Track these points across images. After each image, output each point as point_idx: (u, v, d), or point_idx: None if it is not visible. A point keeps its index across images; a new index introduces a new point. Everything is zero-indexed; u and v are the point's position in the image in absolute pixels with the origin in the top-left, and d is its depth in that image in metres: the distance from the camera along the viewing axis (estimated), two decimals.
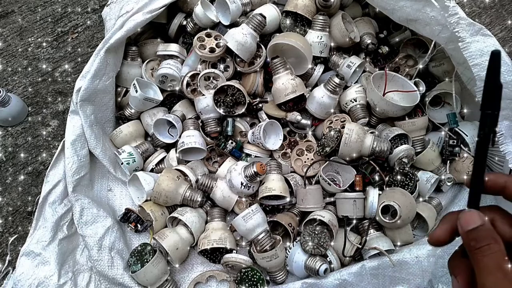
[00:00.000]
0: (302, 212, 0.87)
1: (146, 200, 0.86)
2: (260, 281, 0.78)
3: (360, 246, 0.80)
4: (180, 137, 0.89)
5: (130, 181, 0.88)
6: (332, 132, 0.85)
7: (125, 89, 0.95)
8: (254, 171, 0.78)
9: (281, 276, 0.82)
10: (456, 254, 0.37)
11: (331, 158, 0.86)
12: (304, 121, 0.90)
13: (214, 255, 0.84)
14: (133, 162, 0.87)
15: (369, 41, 0.92)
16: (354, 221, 0.83)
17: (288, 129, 0.95)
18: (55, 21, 1.09)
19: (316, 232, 0.78)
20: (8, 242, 0.88)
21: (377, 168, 0.83)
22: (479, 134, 0.36)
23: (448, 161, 0.89)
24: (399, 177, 0.83)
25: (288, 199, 0.83)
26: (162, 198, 0.82)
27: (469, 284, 0.34)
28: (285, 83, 0.84)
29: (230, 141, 0.88)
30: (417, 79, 0.93)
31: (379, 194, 0.81)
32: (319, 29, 0.90)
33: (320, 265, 0.76)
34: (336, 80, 0.86)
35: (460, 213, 0.34)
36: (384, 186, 0.84)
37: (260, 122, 0.92)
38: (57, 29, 1.08)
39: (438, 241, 0.36)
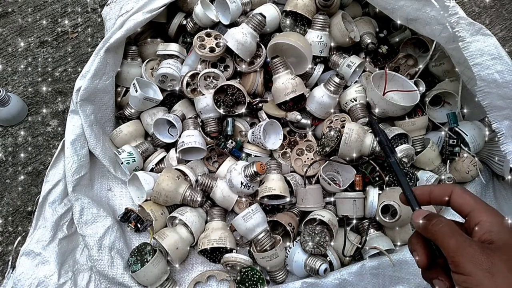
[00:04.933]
0: (302, 211, 0.87)
1: (146, 200, 0.86)
2: (260, 281, 0.78)
3: (360, 246, 0.80)
4: (180, 136, 0.89)
5: (130, 181, 0.88)
6: (332, 132, 0.85)
7: (125, 88, 0.95)
8: (254, 170, 0.78)
9: (281, 276, 0.82)
10: (415, 234, 0.43)
11: (331, 158, 0.86)
12: (304, 121, 0.90)
13: (214, 254, 0.84)
14: (133, 161, 0.87)
15: (369, 41, 0.92)
16: (354, 221, 0.83)
17: (288, 128, 0.95)
18: (55, 21, 1.09)
19: (316, 232, 0.78)
20: (10, 243, 0.88)
21: (377, 168, 0.83)
22: (388, 163, 0.46)
23: (448, 161, 0.89)
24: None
25: (288, 199, 0.82)
26: (162, 198, 0.82)
27: (427, 257, 0.41)
28: (285, 83, 0.84)
29: (230, 140, 0.88)
30: (417, 79, 0.93)
31: (379, 194, 0.81)
32: (319, 29, 0.89)
33: (320, 265, 0.76)
34: (336, 79, 0.86)
35: (411, 215, 0.42)
36: (384, 186, 0.84)
37: (260, 121, 0.92)
38: (57, 29, 1.08)
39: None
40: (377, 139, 0.54)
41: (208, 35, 0.90)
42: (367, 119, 0.90)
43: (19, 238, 0.88)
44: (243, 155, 0.90)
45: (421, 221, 0.40)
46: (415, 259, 0.41)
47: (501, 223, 0.37)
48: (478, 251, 0.35)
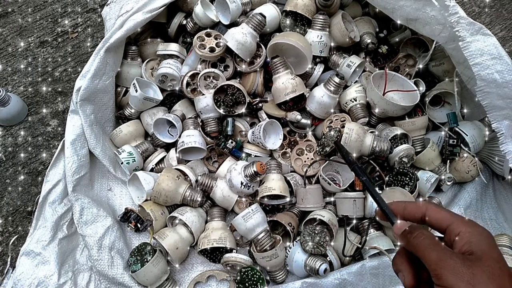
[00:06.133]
0: (302, 211, 0.87)
1: (146, 200, 0.86)
2: (260, 281, 0.78)
3: (360, 246, 0.80)
4: (180, 136, 0.89)
5: (130, 181, 0.88)
6: (332, 132, 0.85)
7: (125, 88, 0.95)
8: (254, 170, 0.78)
9: (281, 276, 0.82)
10: (398, 253, 0.42)
11: (331, 158, 0.86)
12: (304, 121, 0.90)
13: (214, 254, 0.84)
14: (133, 161, 0.87)
15: (369, 41, 0.92)
16: (354, 221, 0.83)
17: (288, 128, 0.95)
18: (55, 20, 1.09)
19: (316, 232, 0.78)
20: (9, 243, 0.88)
21: (377, 168, 0.83)
22: (361, 181, 0.49)
23: (448, 161, 0.89)
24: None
25: (288, 199, 0.82)
26: (162, 198, 0.82)
27: (414, 276, 0.40)
28: (285, 83, 0.84)
29: (230, 140, 0.88)
30: (417, 79, 0.93)
31: (379, 194, 0.81)
32: (319, 29, 0.89)
33: (320, 265, 0.76)
34: (336, 79, 0.86)
35: (393, 227, 0.42)
36: (384, 186, 0.84)
37: (260, 121, 0.91)
38: (57, 29, 1.08)
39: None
40: (347, 160, 0.56)
41: (208, 35, 0.90)
42: (367, 119, 0.90)
43: (13, 238, 0.88)
44: (243, 155, 0.90)
45: (402, 235, 0.40)
46: (401, 280, 0.41)
47: (480, 233, 0.37)
48: (459, 262, 0.35)
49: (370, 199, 0.80)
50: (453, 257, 0.36)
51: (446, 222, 0.39)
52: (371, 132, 0.89)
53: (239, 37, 0.83)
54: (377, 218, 0.46)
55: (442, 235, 0.40)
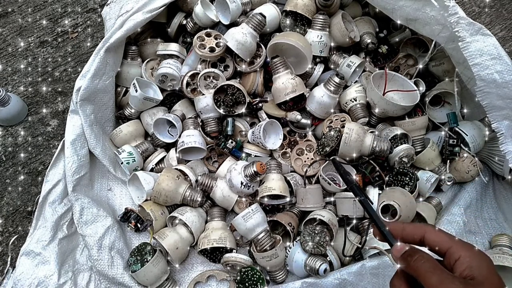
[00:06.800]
0: (302, 211, 0.87)
1: (146, 200, 0.86)
2: (260, 281, 0.78)
3: (360, 246, 0.80)
4: (180, 136, 0.89)
5: (130, 181, 0.88)
6: (332, 132, 0.85)
7: (125, 88, 0.95)
8: (254, 170, 0.78)
9: (281, 276, 0.82)
10: (396, 275, 0.42)
11: (331, 158, 0.86)
12: (304, 121, 0.90)
13: (214, 254, 0.84)
14: (133, 161, 0.87)
15: (369, 41, 0.92)
16: (354, 221, 0.83)
17: (288, 128, 0.95)
18: (55, 21, 1.09)
19: (316, 232, 0.78)
20: (9, 243, 0.88)
21: (377, 168, 0.83)
22: (359, 201, 0.50)
23: (448, 161, 0.89)
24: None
25: (288, 199, 0.82)
26: (162, 198, 0.82)
27: None
28: (285, 83, 0.84)
29: (230, 140, 0.88)
30: (417, 79, 0.93)
31: (379, 194, 0.81)
32: (319, 29, 0.89)
33: (320, 265, 0.76)
34: (336, 79, 0.86)
35: (392, 249, 0.42)
36: (384, 186, 0.84)
37: (260, 121, 0.92)
38: (57, 29, 1.08)
39: None
40: (346, 179, 0.56)
41: (208, 35, 0.90)
42: (367, 119, 0.90)
43: (13, 238, 0.88)
44: (243, 155, 0.90)
45: (402, 258, 0.40)
46: None
47: (480, 258, 0.37)
48: (461, 287, 0.35)
49: (370, 198, 0.80)
50: (455, 281, 0.36)
51: (445, 245, 0.39)
52: (371, 132, 0.89)
53: (239, 37, 0.83)
54: (376, 239, 0.45)
55: (441, 258, 0.40)
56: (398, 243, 0.42)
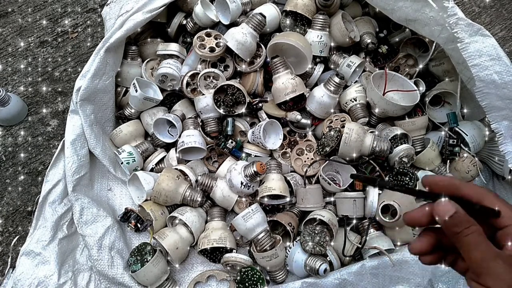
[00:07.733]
0: (302, 211, 0.87)
1: (146, 200, 0.86)
2: (260, 281, 0.78)
3: (360, 246, 0.80)
4: (180, 136, 0.89)
5: (130, 181, 0.88)
6: (332, 132, 0.85)
7: (125, 88, 0.95)
8: (254, 170, 0.78)
9: (281, 276, 0.82)
10: (420, 238, 0.39)
11: (331, 158, 0.86)
12: (304, 121, 0.90)
13: (214, 254, 0.84)
14: (133, 161, 0.87)
15: (369, 41, 0.92)
16: (354, 221, 0.83)
17: (288, 128, 0.95)
18: (55, 21, 1.09)
19: (316, 232, 0.78)
20: (10, 243, 0.88)
21: (377, 168, 0.83)
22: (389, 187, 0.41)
23: (448, 161, 0.89)
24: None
25: (288, 199, 0.83)
26: (162, 198, 0.82)
27: (431, 246, 0.38)
28: (285, 83, 0.84)
29: (230, 140, 0.88)
30: (417, 79, 0.93)
31: (379, 194, 0.81)
32: (319, 29, 0.90)
33: (320, 265, 0.76)
34: (336, 79, 0.86)
35: (435, 204, 0.36)
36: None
37: (260, 121, 0.92)
38: (57, 29, 1.08)
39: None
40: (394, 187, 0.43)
41: (208, 35, 0.90)
42: (367, 118, 0.90)
43: (15, 238, 0.88)
44: (243, 155, 0.90)
45: (446, 223, 0.35)
46: (414, 244, 0.38)
47: None
48: (503, 267, 0.33)
49: (370, 199, 0.80)
50: (498, 259, 0.34)
51: (497, 207, 0.36)
52: (371, 132, 0.89)
53: (239, 37, 0.83)
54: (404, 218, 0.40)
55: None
56: (443, 199, 0.35)
